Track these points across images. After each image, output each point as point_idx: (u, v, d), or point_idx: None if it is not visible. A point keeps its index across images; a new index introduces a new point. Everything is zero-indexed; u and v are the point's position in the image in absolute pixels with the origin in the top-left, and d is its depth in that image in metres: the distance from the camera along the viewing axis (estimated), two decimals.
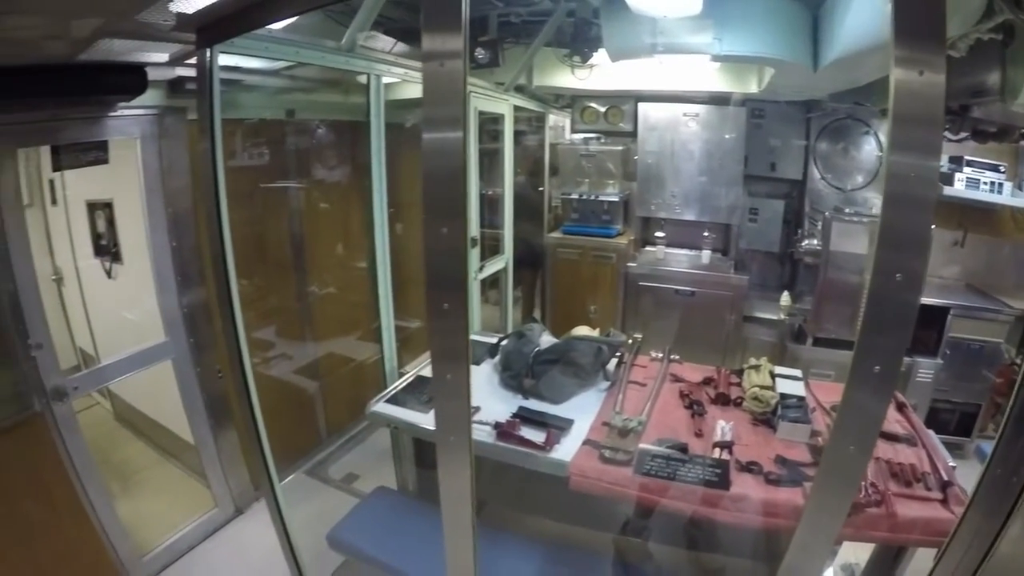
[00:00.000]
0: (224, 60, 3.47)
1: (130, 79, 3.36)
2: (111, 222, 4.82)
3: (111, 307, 5.14)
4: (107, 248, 4.95)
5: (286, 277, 5.00)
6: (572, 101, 6.50)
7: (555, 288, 6.61)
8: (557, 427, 3.06)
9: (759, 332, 5.78)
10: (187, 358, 4.14)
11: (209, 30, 2.43)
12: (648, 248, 6.25)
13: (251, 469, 4.50)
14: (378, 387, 5.33)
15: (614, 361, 3.72)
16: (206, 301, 4.11)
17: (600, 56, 4.59)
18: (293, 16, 2.42)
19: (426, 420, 3.23)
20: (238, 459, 4.45)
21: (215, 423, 4.31)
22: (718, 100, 5.62)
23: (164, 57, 3.31)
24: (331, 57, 3.26)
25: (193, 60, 3.33)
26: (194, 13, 2.29)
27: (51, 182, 5.17)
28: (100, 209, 4.89)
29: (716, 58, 3.61)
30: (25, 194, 3.84)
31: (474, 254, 4.63)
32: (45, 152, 3.98)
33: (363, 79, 4.14)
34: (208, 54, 2.46)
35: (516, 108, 5.59)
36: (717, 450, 2.92)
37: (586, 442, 3.00)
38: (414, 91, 3.75)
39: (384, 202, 3.77)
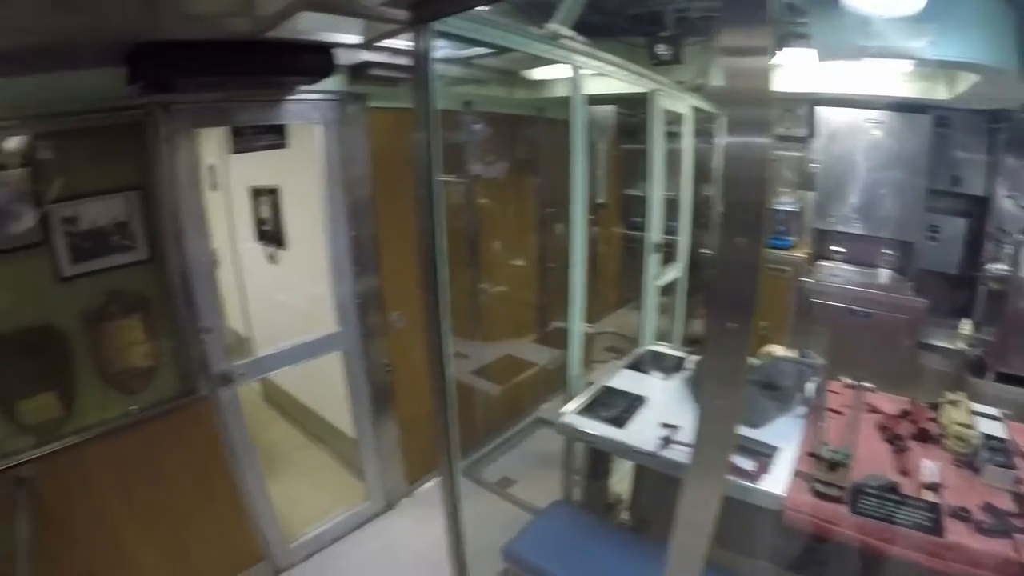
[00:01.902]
0: (406, 44, 3.43)
1: (317, 61, 3.27)
2: (275, 208, 4.85)
3: (270, 292, 5.22)
4: (270, 234, 5.00)
5: (459, 272, 4.87)
6: None
7: None
8: (764, 454, 2.81)
9: (933, 361, 5.29)
10: (357, 349, 4.07)
11: (423, 7, 2.29)
12: (823, 263, 5.87)
13: (407, 465, 4.44)
14: (543, 391, 5.26)
15: (810, 385, 3.43)
16: (379, 292, 4.05)
17: (779, 56, 4.30)
18: None
19: (624, 437, 3.02)
20: (395, 454, 4.39)
21: (377, 416, 4.24)
22: (901, 107, 5.20)
23: (356, 38, 3.21)
24: (536, 44, 3.07)
25: (385, 43, 3.31)
26: None
27: (211, 167, 5.18)
28: (264, 195, 4.94)
29: (922, 63, 3.28)
30: None
31: (654, 260, 4.40)
32: (207, 136, 4.01)
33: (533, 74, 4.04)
34: (424, 33, 2.32)
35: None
36: (926, 491, 2.63)
37: (797, 473, 2.74)
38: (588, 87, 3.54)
39: (583, 201, 3.57)
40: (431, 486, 4.51)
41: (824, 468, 2.71)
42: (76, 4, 2.19)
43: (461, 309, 4.58)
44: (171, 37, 2.74)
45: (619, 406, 3.25)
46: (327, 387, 4.51)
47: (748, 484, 2.66)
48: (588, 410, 3.27)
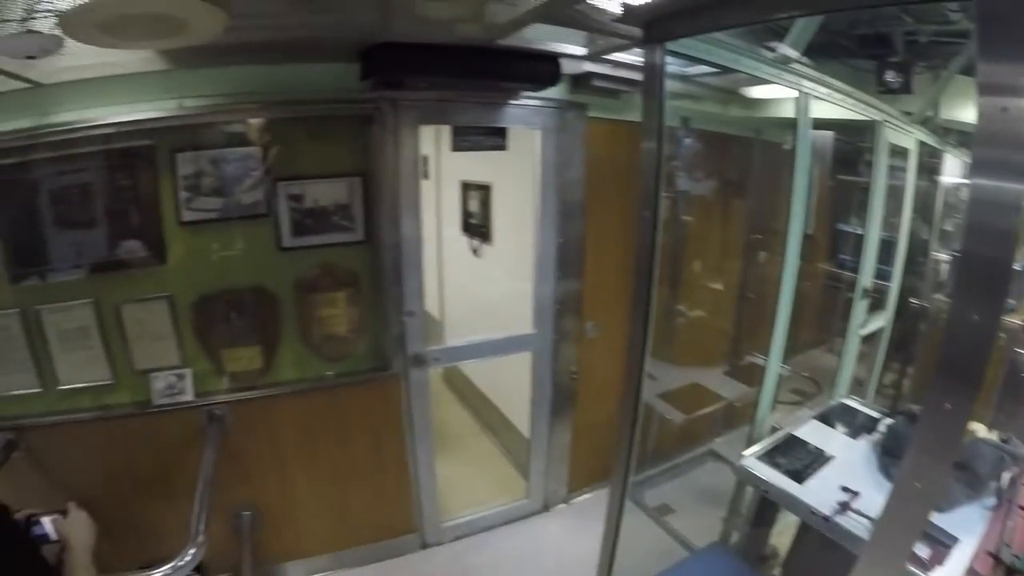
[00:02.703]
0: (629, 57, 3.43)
1: (545, 69, 3.34)
2: (485, 204, 5.00)
3: (469, 283, 5.40)
4: (476, 227, 5.17)
5: (658, 290, 4.83)
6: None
7: (928, 362, 5.74)
8: (942, 543, 2.58)
9: None
10: (548, 353, 4.13)
11: (657, 26, 2.28)
12: None
13: (571, 473, 4.46)
14: (722, 425, 5.09)
15: (1006, 475, 3.10)
16: (578, 299, 4.08)
17: None
18: (746, 24, 2.23)
19: (801, 493, 2.85)
20: (564, 459, 4.41)
21: (553, 420, 4.28)
22: None
23: (581, 50, 3.28)
24: (765, 68, 2.98)
25: (611, 57, 3.38)
26: (642, 6, 2.18)
27: (424, 158, 5.38)
28: (475, 190, 5.12)
29: None
30: None
31: (861, 306, 4.13)
32: (426, 132, 4.15)
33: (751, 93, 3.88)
34: (656, 51, 2.31)
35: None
36: None
37: (971, 572, 2.49)
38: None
39: (800, 232, 3.39)
40: (589, 498, 4.50)
41: (1001, 573, 2.46)
42: (323, 4, 2.42)
43: (656, 328, 4.54)
44: (404, 39, 2.93)
45: (801, 459, 3.07)
46: (510, 382, 4.62)
47: (919, 573, 2.45)
48: (769, 456, 3.12)
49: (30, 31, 2.05)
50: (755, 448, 3.19)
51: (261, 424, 3.53)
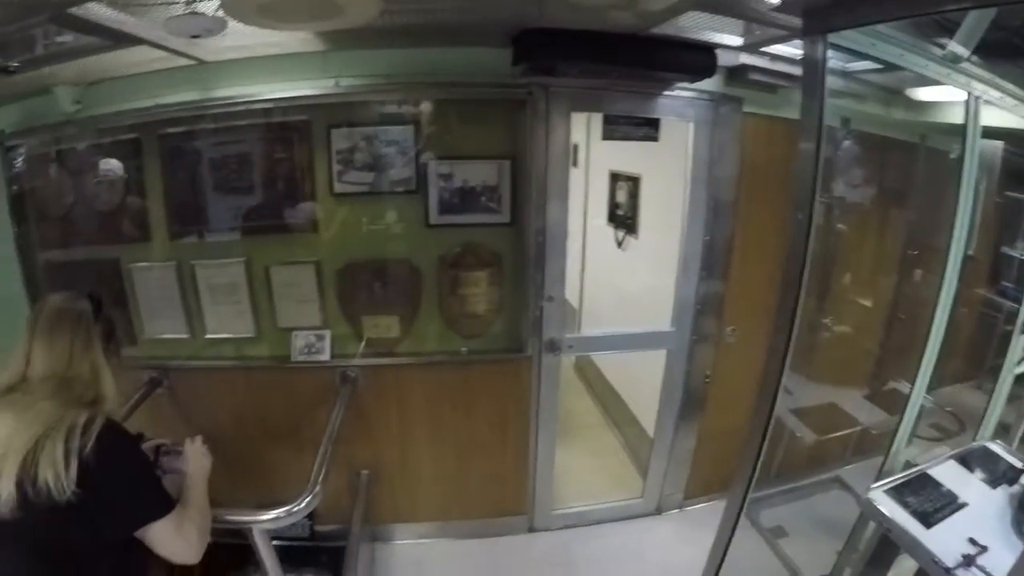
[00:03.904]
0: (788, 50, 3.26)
1: (701, 60, 3.22)
2: (634, 196, 4.92)
3: (610, 274, 5.35)
4: (623, 219, 5.09)
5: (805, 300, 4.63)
6: None
7: None
8: None
9: None
10: (683, 353, 4.02)
11: (818, 16, 2.15)
12: None
13: (690, 479, 4.35)
14: (852, 451, 4.84)
15: None
16: (720, 301, 3.94)
17: None
18: (914, 15, 2.12)
19: (926, 539, 2.63)
20: (685, 464, 4.29)
21: (680, 422, 4.17)
22: None
23: (736, 40, 3.13)
24: (934, 66, 2.76)
25: (770, 49, 3.22)
26: None
27: (575, 146, 5.33)
28: (624, 181, 5.03)
29: None
30: None
31: (1021, 342, 3.77)
32: (577, 120, 4.09)
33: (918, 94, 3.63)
34: (818, 44, 2.19)
35: None
36: None
37: None
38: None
39: (961, 252, 3.14)
40: (703, 507, 4.36)
41: None
42: None
43: (797, 340, 4.36)
44: (556, 25, 2.90)
45: (933, 501, 2.83)
46: (641, 378, 4.54)
47: None
48: (898, 493, 2.90)
49: (195, 13, 2.16)
50: (885, 482, 2.97)
51: (391, 390, 3.66)
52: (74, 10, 2.10)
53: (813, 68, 2.23)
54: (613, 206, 5.24)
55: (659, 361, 4.08)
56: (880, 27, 2.44)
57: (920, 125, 4.49)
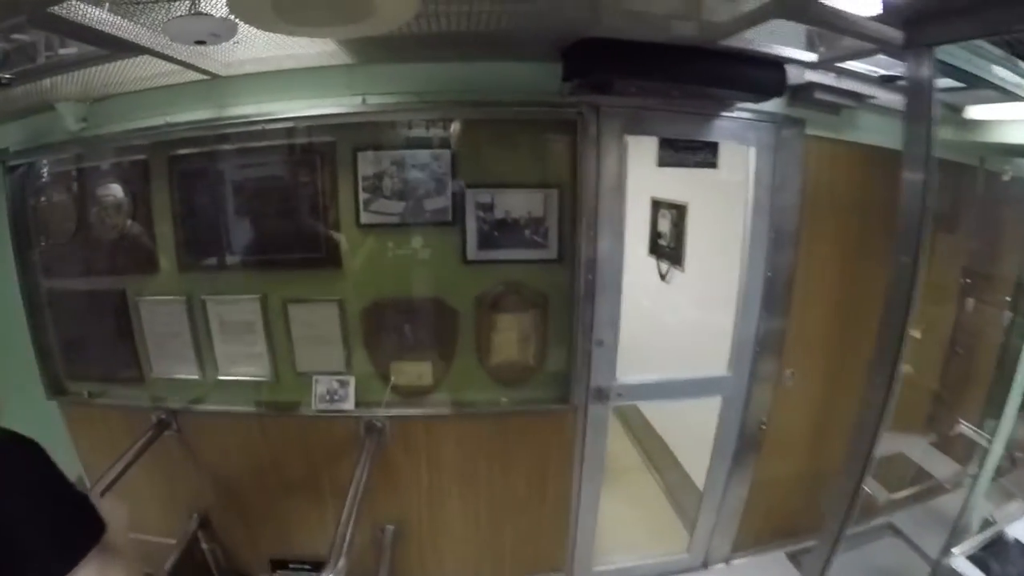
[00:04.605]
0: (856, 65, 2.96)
1: (770, 76, 2.88)
2: (678, 225, 4.66)
3: (654, 310, 5.03)
4: (666, 250, 4.83)
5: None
6: None
7: None
8: None
9: None
10: (740, 399, 3.68)
11: (921, 27, 1.88)
12: None
13: (740, 531, 4.02)
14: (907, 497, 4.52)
15: None
16: (780, 342, 3.59)
17: None
18: None
19: None
20: (735, 514, 3.97)
21: (733, 471, 3.85)
22: None
23: (808, 55, 2.82)
24: (1012, 80, 2.50)
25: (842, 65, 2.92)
26: (906, 3, 1.83)
27: None
28: (667, 208, 4.78)
29: None
30: None
31: None
32: None
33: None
34: (924, 60, 1.91)
35: None
36: None
37: None
38: None
39: None
40: (749, 560, 4.05)
41: None
42: None
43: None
44: (612, 35, 2.60)
45: (1016, 566, 2.55)
46: (687, 422, 4.31)
47: None
48: (981, 559, 2.61)
49: (196, 13, 1.91)
50: (966, 546, 2.71)
51: (421, 442, 3.39)
52: (55, 9, 1.84)
53: (919, 88, 2.01)
54: (655, 235, 4.96)
55: (709, 406, 3.77)
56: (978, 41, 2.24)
57: (976, 146, 4.18)
